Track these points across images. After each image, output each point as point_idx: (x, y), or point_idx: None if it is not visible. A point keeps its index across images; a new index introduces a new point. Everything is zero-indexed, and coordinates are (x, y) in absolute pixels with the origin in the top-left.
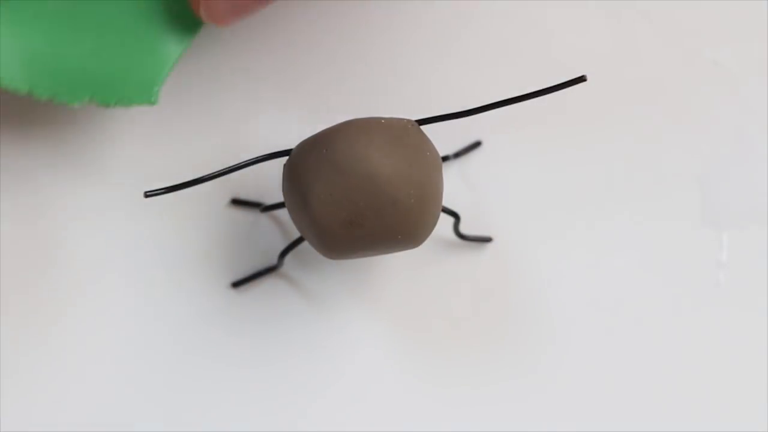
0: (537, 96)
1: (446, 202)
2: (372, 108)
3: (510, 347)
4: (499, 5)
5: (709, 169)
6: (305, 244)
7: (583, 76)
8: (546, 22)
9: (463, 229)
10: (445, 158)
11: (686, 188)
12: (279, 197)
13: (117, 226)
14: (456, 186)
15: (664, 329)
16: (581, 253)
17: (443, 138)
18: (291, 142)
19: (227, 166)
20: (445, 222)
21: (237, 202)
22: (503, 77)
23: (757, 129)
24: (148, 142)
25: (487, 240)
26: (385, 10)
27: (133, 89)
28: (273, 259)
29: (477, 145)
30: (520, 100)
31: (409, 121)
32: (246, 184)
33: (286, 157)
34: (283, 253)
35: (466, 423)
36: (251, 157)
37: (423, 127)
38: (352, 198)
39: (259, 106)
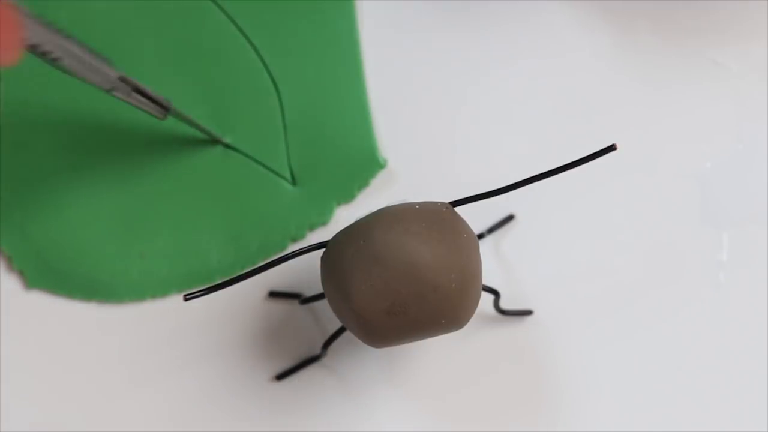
0: (568, 169)
1: (483, 278)
2: (404, 192)
3: (553, 422)
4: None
5: (710, 169)
6: (347, 333)
7: (613, 145)
8: (547, 28)
9: (503, 303)
10: (480, 236)
11: (686, 188)
12: (315, 288)
13: (159, 324)
14: (492, 260)
15: (665, 328)
16: (622, 322)
17: (476, 213)
18: (327, 234)
19: (263, 262)
20: (484, 298)
21: (275, 295)
22: (522, 130)
23: (757, 129)
24: None
25: (527, 313)
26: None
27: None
28: (314, 350)
29: (510, 218)
30: (551, 175)
31: (443, 204)
32: (282, 276)
33: (323, 250)
34: (326, 344)
35: None
36: (287, 252)
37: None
38: (393, 287)
39: None
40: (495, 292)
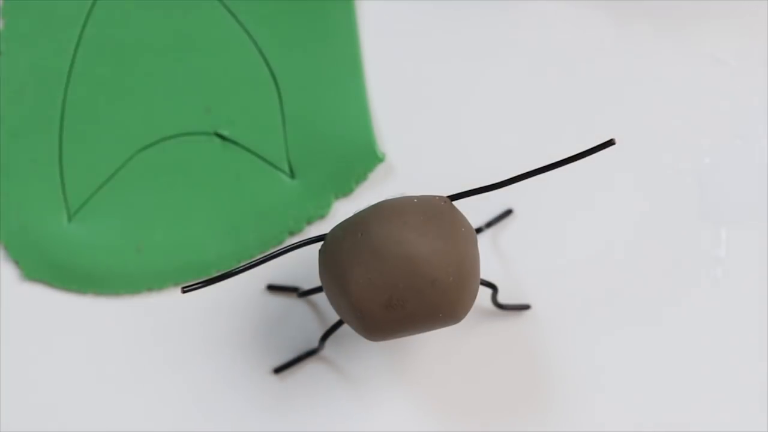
0: (566, 164)
1: (481, 272)
2: (402, 185)
3: (551, 416)
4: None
5: (708, 165)
6: (345, 326)
7: (611, 140)
8: (546, 24)
9: (500, 297)
10: (478, 230)
11: (685, 184)
12: (313, 281)
13: (156, 317)
14: (490, 255)
15: (663, 324)
16: (619, 314)
17: (474, 207)
18: (325, 227)
19: (261, 255)
20: (481, 292)
21: (273, 288)
22: (524, 122)
23: (756, 125)
24: None
25: (525, 308)
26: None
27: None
28: (312, 343)
29: (508, 213)
30: (549, 169)
31: (441, 197)
32: (280, 269)
33: (321, 243)
34: (324, 337)
35: None
36: (285, 245)
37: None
38: (390, 281)
39: None
40: (493, 287)
